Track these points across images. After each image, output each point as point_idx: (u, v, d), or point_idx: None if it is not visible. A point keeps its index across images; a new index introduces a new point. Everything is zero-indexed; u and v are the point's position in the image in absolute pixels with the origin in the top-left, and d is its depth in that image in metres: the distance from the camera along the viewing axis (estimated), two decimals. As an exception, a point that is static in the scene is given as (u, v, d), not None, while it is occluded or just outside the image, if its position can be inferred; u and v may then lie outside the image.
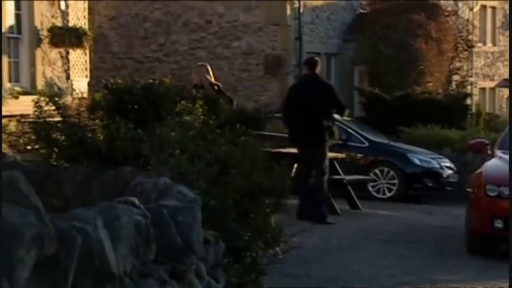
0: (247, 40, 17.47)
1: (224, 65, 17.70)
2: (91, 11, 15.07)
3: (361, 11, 19.74)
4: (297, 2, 17.47)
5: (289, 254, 5.78)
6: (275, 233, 5.55)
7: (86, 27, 13.85)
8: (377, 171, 13.61)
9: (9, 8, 12.46)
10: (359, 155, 13.80)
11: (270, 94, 17.45)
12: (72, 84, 13.69)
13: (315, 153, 9.80)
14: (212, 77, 11.57)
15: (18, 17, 12.74)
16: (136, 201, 3.68)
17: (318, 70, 10.27)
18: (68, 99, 12.10)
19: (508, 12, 25.49)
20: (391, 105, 16.55)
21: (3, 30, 12.32)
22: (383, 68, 17.87)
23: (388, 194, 13.54)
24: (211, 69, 11.86)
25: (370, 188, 13.49)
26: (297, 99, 9.99)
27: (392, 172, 13.55)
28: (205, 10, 17.64)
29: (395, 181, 13.51)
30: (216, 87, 11.16)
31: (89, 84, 14.17)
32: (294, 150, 10.31)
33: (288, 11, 17.38)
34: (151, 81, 7.26)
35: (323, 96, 9.81)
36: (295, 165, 10.15)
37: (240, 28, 17.49)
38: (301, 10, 17.56)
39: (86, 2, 14.21)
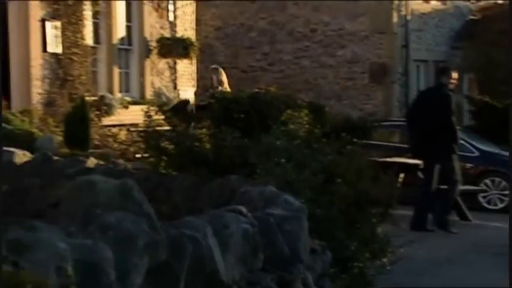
0: (352, 48, 17.35)
1: (329, 74, 17.64)
2: (198, 21, 15.35)
3: (472, 17, 19.23)
4: (403, 9, 17.20)
5: (397, 265, 5.66)
6: (382, 243, 5.46)
7: (193, 37, 14.12)
8: (488, 181, 13.18)
9: (120, 20, 12.86)
10: (468, 165, 13.40)
11: (375, 103, 17.24)
12: (179, 94, 13.98)
13: (444, 166, 9.64)
14: (225, 81, 11.62)
15: (129, 28, 13.13)
16: (244, 210, 3.70)
17: (448, 79, 10.01)
18: (176, 109, 12.34)
19: None
20: (503, 113, 16.00)
21: (114, 42, 12.72)
22: (494, 75, 17.32)
23: (500, 205, 13.08)
24: (225, 72, 11.93)
25: (481, 199, 13.08)
26: (418, 109, 9.81)
27: (504, 182, 13.08)
28: (311, 19, 17.64)
29: (507, 192, 13.03)
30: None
31: (195, 93, 14.43)
32: (400, 160, 10.11)
33: (395, 19, 17.13)
34: (257, 90, 7.31)
35: (439, 108, 9.61)
36: (402, 175, 9.96)
37: (345, 36, 17.39)
38: (408, 17, 17.28)
39: (194, 13, 14.49)
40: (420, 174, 10.86)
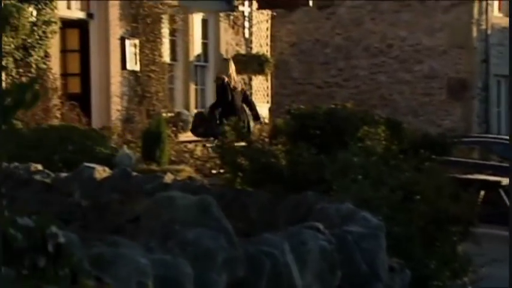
0: (430, 63, 17.09)
1: (406, 89, 17.42)
2: (273, 38, 15.42)
3: (553, 30, 18.69)
4: (483, 24, 16.86)
5: (478, 284, 5.50)
6: (463, 262, 5.32)
7: (268, 54, 14.18)
8: None
9: (197, 37, 13.03)
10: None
11: (453, 119, 16.92)
12: (255, 110, 14.02)
13: None
14: (233, 73, 11.56)
15: (205, 45, 13.30)
16: (321, 227, 3.65)
17: None
18: (252, 125, 12.40)
19: None
20: None
21: (190, 59, 12.89)
22: None
23: None
24: (235, 65, 11.86)
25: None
26: None
27: None
28: (387, 34, 17.49)
29: None
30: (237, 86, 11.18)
31: (270, 109, 14.47)
32: (481, 177, 9.85)
33: (474, 33, 16.81)
34: (333, 106, 7.26)
35: None
36: (483, 192, 9.70)
37: (422, 51, 17.16)
38: (489, 32, 16.92)
39: (269, 29, 14.57)
40: (501, 192, 10.56)
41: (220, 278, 2.29)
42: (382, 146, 6.36)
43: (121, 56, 11.47)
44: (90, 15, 11.32)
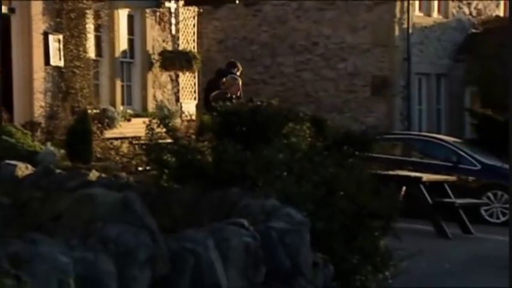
0: (354, 61, 17.37)
1: (330, 87, 17.66)
2: (200, 34, 15.39)
3: (473, 30, 19.26)
4: (405, 23, 17.23)
5: (398, 278, 5.64)
6: (384, 257, 5.44)
7: (195, 50, 14.15)
8: (490, 194, 13.16)
9: (122, 33, 12.89)
10: (471, 178, 13.39)
11: (377, 116, 17.23)
12: (181, 107, 13.99)
13: None
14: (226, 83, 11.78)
15: (131, 42, 13.16)
16: (246, 223, 3.69)
17: None
18: (178, 122, 12.37)
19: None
20: (505, 126, 15.99)
21: (116, 55, 12.75)
22: (496, 88, 17.32)
23: (502, 219, 13.04)
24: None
25: (483, 212, 13.05)
26: None
27: (506, 196, 13.05)
28: (312, 32, 17.68)
29: (510, 205, 13.00)
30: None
31: (197, 106, 14.45)
32: (403, 173, 10.08)
33: (396, 32, 17.17)
34: (258, 103, 7.31)
35: None
36: (404, 188, 9.95)
37: (346, 49, 17.42)
38: (410, 31, 17.31)
39: (196, 26, 14.53)
40: (422, 187, 10.83)
41: (142, 275, 2.29)
42: (306, 142, 6.45)
43: (44, 51, 11.24)
44: (11, 10, 11.06)
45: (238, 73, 12.72)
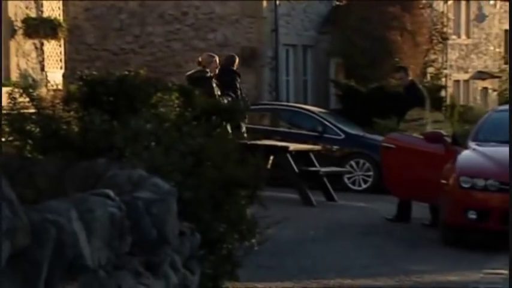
0: (223, 32, 17.44)
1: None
2: (66, 2, 14.95)
3: (337, 3, 19.78)
4: (273, -6, 17.47)
5: (264, 245, 5.80)
6: (250, 225, 5.57)
7: (61, 18, 13.74)
8: (353, 163, 13.69)
9: (-18, -2, 12.32)
10: (335, 147, 13.87)
11: (246, 86, 17.43)
12: (46, 76, 13.59)
13: None
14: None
15: (-9, 8, 12.61)
16: (111, 194, 3.67)
17: None
18: (43, 91, 12.02)
19: (481, 5, 25.71)
20: (367, 97, 16.63)
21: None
22: (358, 60, 17.93)
23: (364, 186, 13.62)
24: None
25: (346, 180, 13.57)
26: None
27: (368, 164, 13.62)
28: (181, 2, 17.58)
29: (371, 173, 13.59)
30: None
31: (63, 75, 14.08)
32: (270, 142, 10.28)
33: (264, 3, 17.37)
34: (126, 72, 7.22)
35: None
36: (272, 157, 10.17)
37: (216, 20, 17.45)
38: (278, 2, 17.56)
39: (61, -8, 14.10)
40: (289, 156, 11.10)
41: (1, 247, 2.26)
42: (175, 112, 6.45)
43: None
44: None
45: (234, 67, 12.41)
